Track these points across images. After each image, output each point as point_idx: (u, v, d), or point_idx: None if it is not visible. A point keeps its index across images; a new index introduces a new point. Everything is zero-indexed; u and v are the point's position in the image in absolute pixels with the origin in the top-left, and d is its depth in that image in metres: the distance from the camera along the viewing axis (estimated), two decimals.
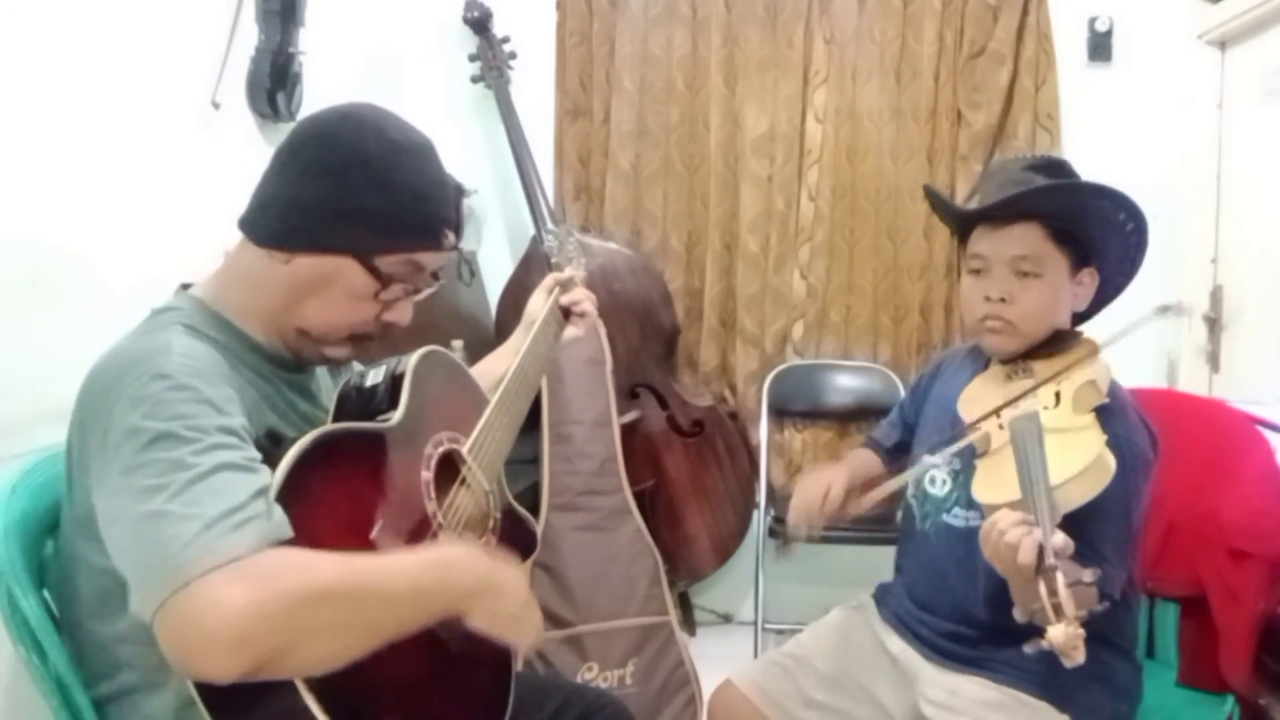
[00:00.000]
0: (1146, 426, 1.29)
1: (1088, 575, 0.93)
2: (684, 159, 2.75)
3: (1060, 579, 0.91)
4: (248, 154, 1.80)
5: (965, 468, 1.32)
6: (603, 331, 2.26)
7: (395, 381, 1.08)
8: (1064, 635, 0.89)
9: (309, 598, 0.80)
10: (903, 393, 2.64)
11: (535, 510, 2.11)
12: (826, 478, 1.45)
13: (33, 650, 0.95)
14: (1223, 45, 2.55)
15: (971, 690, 1.31)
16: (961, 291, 1.44)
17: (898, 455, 1.58)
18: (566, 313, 1.47)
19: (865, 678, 1.44)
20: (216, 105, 1.72)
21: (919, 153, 2.69)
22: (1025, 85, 2.63)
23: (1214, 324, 2.54)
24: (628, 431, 2.37)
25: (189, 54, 1.68)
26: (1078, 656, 0.89)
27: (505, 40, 2.61)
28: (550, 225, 2.47)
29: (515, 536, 1.21)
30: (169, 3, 1.60)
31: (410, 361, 1.10)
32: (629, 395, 2.52)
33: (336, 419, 1.06)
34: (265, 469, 0.87)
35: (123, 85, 1.47)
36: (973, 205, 1.42)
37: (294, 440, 0.91)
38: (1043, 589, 0.92)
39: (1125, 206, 1.29)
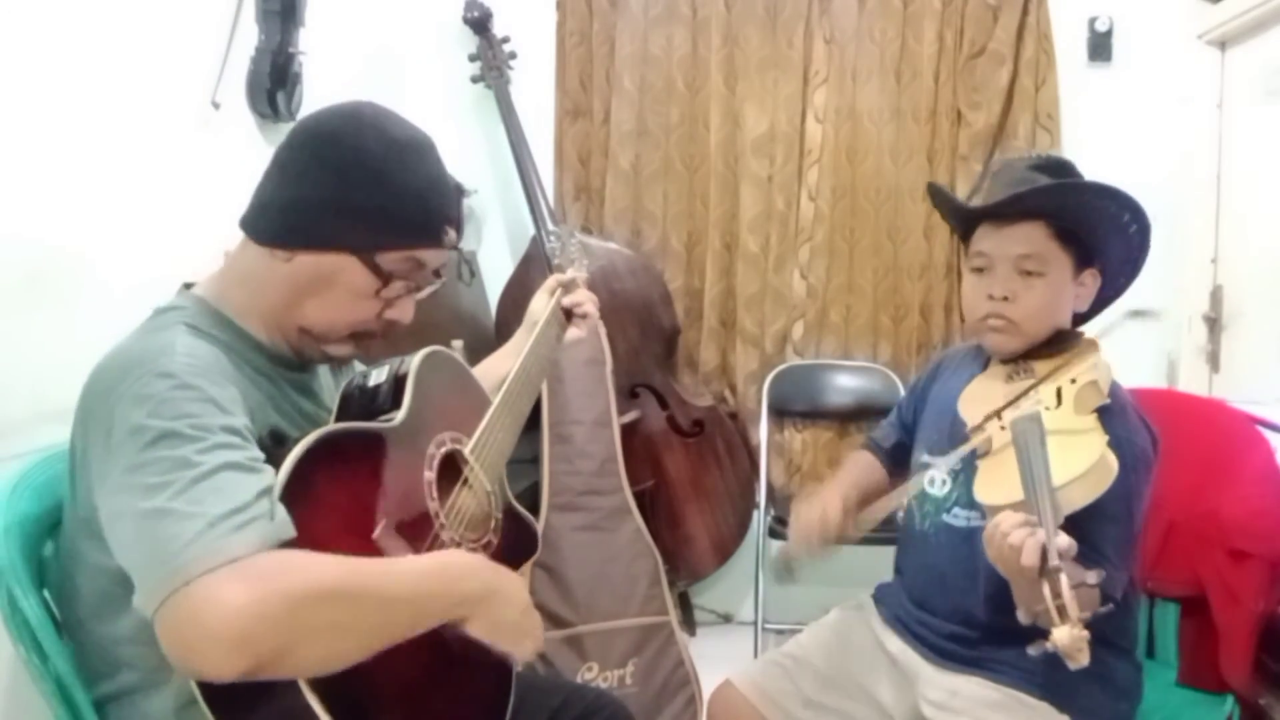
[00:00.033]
0: (1147, 426, 1.29)
1: (1091, 577, 0.93)
2: (684, 159, 2.75)
3: (1064, 581, 0.91)
4: (248, 154, 1.80)
5: (966, 468, 1.32)
6: (603, 332, 2.26)
7: (398, 381, 1.08)
8: (1069, 637, 0.89)
9: (310, 598, 0.80)
10: (903, 393, 2.65)
11: (535, 510, 2.11)
12: (822, 502, 1.41)
13: (33, 650, 0.95)
14: (1223, 45, 2.55)
15: (971, 690, 1.31)
16: (963, 290, 1.44)
17: (897, 456, 1.58)
18: (569, 314, 1.47)
19: (865, 678, 1.44)
20: (216, 105, 1.72)
21: (919, 153, 2.69)
22: (1025, 85, 2.63)
23: (1214, 324, 2.54)
24: (628, 431, 2.37)
25: (189, 54, 1.67)
26: (1082, 659, 0.89)
27: (505, 40, 2.61)
28: (551, 226, 2.47)
29: (516, 537, 1.22)
30: (169, 3, 1.60)
31: (413, 362, 1.10)
32: (629, 395, 2.52)
33: (339, 419, 1.06)
34: (268, 469, 0.87)
35: (123, 85, 1.47)
36: (976, 204, 1.41)
37: (297, 440, 0.91)
38: (1047, 591, 0.92)
39: (1130, 207, 1.29)
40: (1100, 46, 2.66)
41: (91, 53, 1.40)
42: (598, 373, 2.27)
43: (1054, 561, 0.93)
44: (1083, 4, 2.65)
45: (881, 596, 1.53)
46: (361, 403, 1.08)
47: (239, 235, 1.06)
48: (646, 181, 2.74)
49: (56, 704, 0.95)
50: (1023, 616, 1.00)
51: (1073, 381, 1.27)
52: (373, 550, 0.92)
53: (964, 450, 1.28)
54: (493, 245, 2.79)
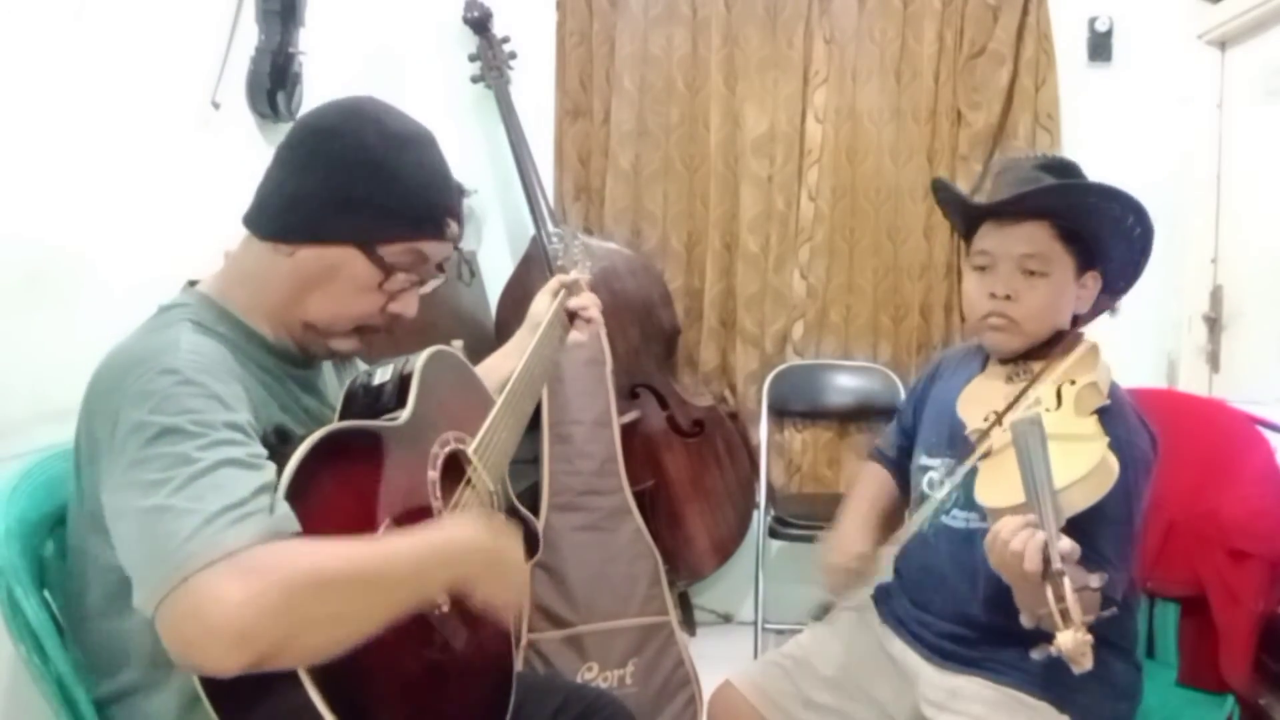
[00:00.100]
0: (1146, 427, 1.29)
1: (1094, 580, 0.93)
2: (684, 159, 2.75)
3: (1068, 585, 0.91)
4: (248, 154, 1.80)
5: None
6: (603, 332, 2.26)
7: (403, 381, 1.08)
8: (1073, 642, 0.88)
9: (308, 589, 0.80)
10: (903, 393, 2.65)
11: (535, 510, 2.11)
12: (847, 544, 1.41)
13: (34, 650, 0.95)
14: (1223, 45, 2.56)
15: (971, 691, 1.31)
16: (964, 288, 1.44)
17: (904, 465, 1.58)
18: (572, 317, 1.47)
19: (865, 678, 1.44)
20: (216, 105, 1.72)
21: (919, 153, 2.69)
22: (1025, 85, 2.63)
23: (1214, 324, 2.54)
24: (628, 431, 2.37)
25: (189, 54, 1.67)
26: (1086, 663, 0.89)
27: (505, 40, 2.61)
28: (554, 227, 2.47)
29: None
30: (169, 3, 1.60)
31: (418, 361, 1.10)
32: (629, 395, 2.52)
33: (343, 417, 1.07)
34: (270, 466, 0.87)
35: (123, 85, 1.47)
36: (979, 202, 1.41)
37: (301, 438, 0.91)
38: (1050, 595, 0.91)
39: (1134, 210, 1.29)
40: (1100, 46, 2.66)
41: (92, 53, 1.40)
42: (598, 373, 2.27)
43: (1056, 565, 0.93)
44: (1083, 4, 2.65)
45: (882, 597, 1.53)
46: (366, 401, 1.08)
47: (239, 235, 1.07)
48: (646, 181, 2.74)
49: (57, 704, 0.95)
50: (1025, 620, 1.00)
51: (1072, 383, 1.27)
52: None
53: (969, 464, 1.28)
54: (493, 245, 2.79)
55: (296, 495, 0.86)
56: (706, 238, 2.75)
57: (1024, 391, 1.30)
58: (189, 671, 0.81)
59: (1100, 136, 2.64)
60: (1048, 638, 0.90)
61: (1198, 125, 2.58)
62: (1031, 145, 2.62)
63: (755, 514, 2.68)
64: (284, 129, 1.85)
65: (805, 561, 2.66)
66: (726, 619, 2.88)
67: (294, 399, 1.08)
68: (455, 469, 1.11)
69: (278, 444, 0.93)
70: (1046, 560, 0.94)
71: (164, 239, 1.51)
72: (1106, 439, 1.16)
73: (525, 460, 2.16)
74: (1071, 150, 2.60)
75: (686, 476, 2.59)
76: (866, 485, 1.57)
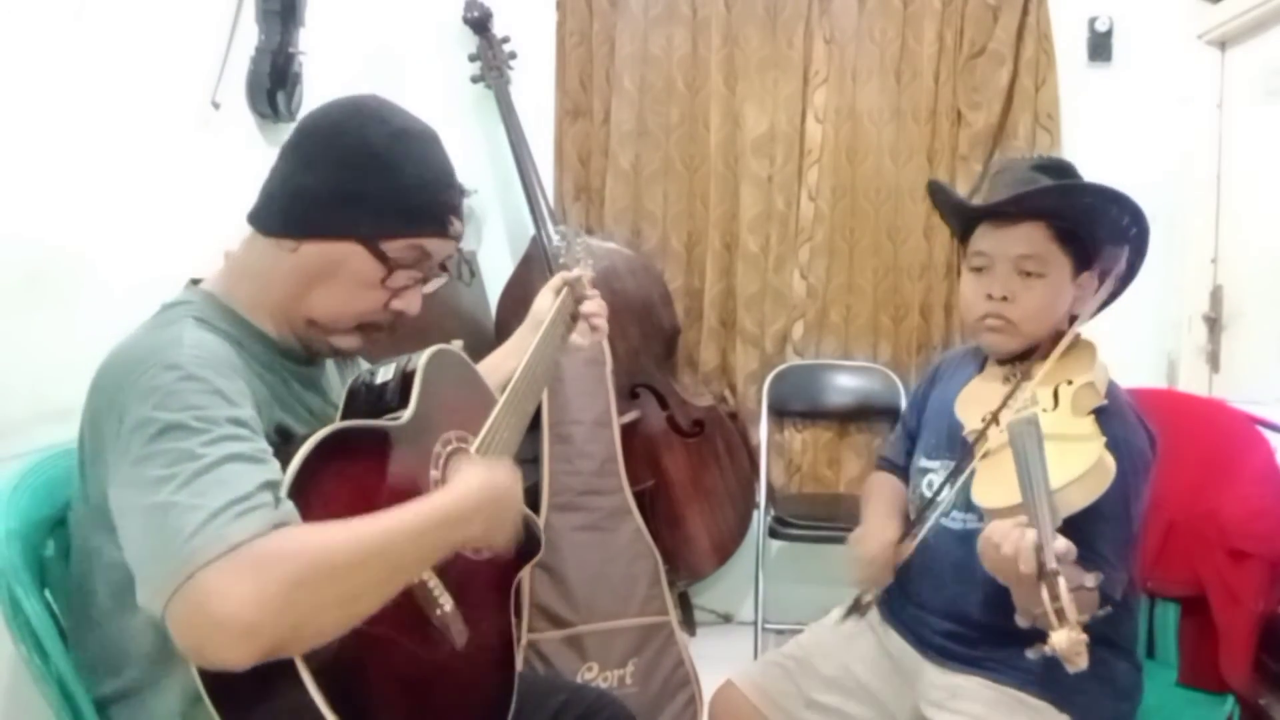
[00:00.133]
0: (1144, 426, 1.29)
1: (1090, 580, 0.93)
2: (684, 159, 2.75)
3: (1062, 584, 0.91)
4: (248, 154, 1.80)
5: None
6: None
7: (406, 379, 1.08)
8: (1067, 641, 0.89)
9: (315, 575, 0.80)
10: (903, 393, 2.65)
11: (535, 510, 2.11)
12: (881, 536, 1.40)
13: (34, 651, 0.95)
14: (1223, 45, 2.56)
15: (972, 690, 1.31)
16: (961, 289, 1.44)
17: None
18: (573, 315, 1.47)
19: (866, 678, 1.44)
20: (216, 105, 1.72)
21: (919, 153, 2.69)
22: (1025, 85, 2.63)
23: (1214, 324, 2.54)
24: (628, 431, 2.37)
25: (189, 54, 1.67)
26: (1081, 662, 0.89)
27: (505, 40, 2.61)
28: (557, 226, 2.47)
29: (519, 537, 1.21)
30: (169, 3, 1.60)
31: (421, 360, 1.10)
32: (629, 395, 2.52)
33: (345, 415, 1.07)
34: (275, 461, 0.88)
35: (123, 85, 1.47)
36: (976, 203, 1.41)
37: (303, 436, 0.91)
38: (1045, 595, 0.92)
39: (1131, 211, 1.29)
40: (1100, 46, 2.66)
41: (92, 53, 1.40)
42: (598, 373, 2.27)
43: (1052, 565, 0.93)
44: (1083, 4, 2.65)
45: (882, 596, 1.53)
46: (368, 400, 1.08)
47: (240, 235, 1.07)
48: (646, 181, 2.74)
49: (58, 704, 0.96)
50: (1022, 620, 1.00)
51: (1069, 383, 1.27)
52: None
53: (973, 465, 1.27)
54: (493, 245, 2.79)
55: (299, 494, 0.86)
56: (706, 238, 2.75)
57: (1015, 389, 1.29)
58: (202, 666, 0.81)
59: (1100, 136, 2.64)
60: (1044, 637, 0.90)
61: (1198, 125, 2.58)
62: (1031, 145, 2.62)
63: (755, 514, 2.68)
64: (284, 129, 1.86)
65: (805, 561, 2.69)
66: (726, 619, 2.88)
67: (297, 397, 1.08)
68: None
69: (280, 443, 0.93)
70: (1042, 559, 0.94)
71: (164, 239, 1.51)
72: (1103, 439, 1.17)
73: (525, 460, 2.16)
74: (1071, 150, 2.61)
75: (686, 476, 2.59)
76: (881, 487, 1.57)
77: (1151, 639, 1.65)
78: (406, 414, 1.04)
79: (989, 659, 1.32)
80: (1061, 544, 0.96)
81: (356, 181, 1.01)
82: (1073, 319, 1.39)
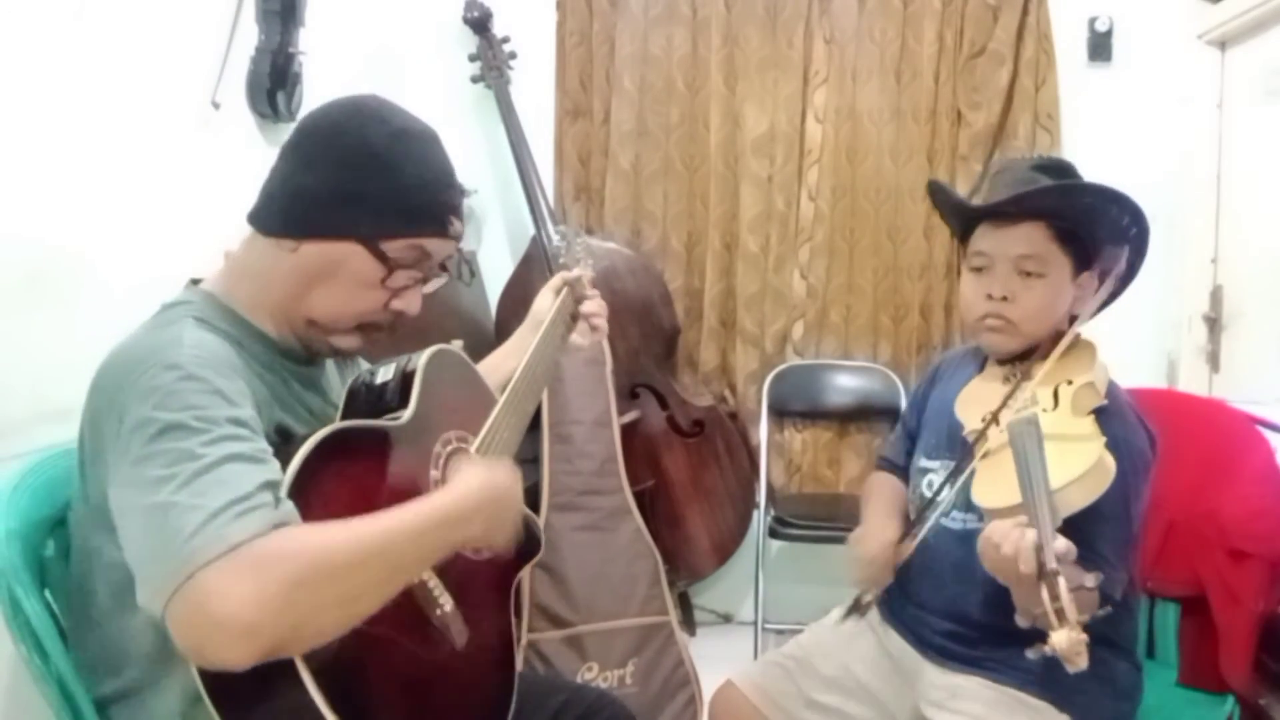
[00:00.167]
0: (1144, 426, 1.29)
1: (1089, 580, 0.93)
2: (684, 159, 2.75)
3: (1062, 584, 0.91)
4: (248, 154, 1.80)
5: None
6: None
7: (406, 379, 1.08)
8: (1067, 641, 0.89)
9: (315, 575, 0.80)
10: (903, 393, 2.65)
11: (535, 510, 2.11)
12: (881, 536, 1.40)
13: (35, 651, 0.95)
14: (1223, 45, 2.56)
15: (972, 690, 1.31)
16: (961, 289, 1.44)
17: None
18: (573, 315, 1.47)
19: (866, 678, 1.44)
20: (216, 105, 1.72)
21: (919, 153, 2.69)
22: (1025, 85, 2.63)
23: (1214, 324, 2.54)
24: (628, 431, 2.37)
25: (189, 54, 1.67)
26: (1080, 662, 0.89)
27: (505, 40, 2.61)
28: (553, 226, 2.47)
29: (519, 537, 1.21)
30: (169, 3, 1.60)
31: (421, 360, 1.10)
32: (629, 395, 2.51)
33: (345, 415, 1.07)
34: (275, 461, 0.88)
35: (123, 85, 1.47)
36: (976, 203, 1.41)
37: (303, 436, 0.91)
38: (1045, 595, 0.92)
39: (1130, 211, 1.29)
40: (1100, 46, 2.66)
41: (92, 53, 1.40)
42: (598, 373, 2.27)
43: (1051, 565, 0.93)
44: (1083, 4, 2.65)
45: (882, 596, 1.53)
46: (368, 400, 1.08)
47: (239, 235, 1.07)
48: (646, 181, 2.74)
49: (58, 704, 0.96)
50: (1022, 620, 1.00)
51: (1069, 383, 1.27)
52: None
53: (974, 465, 1.27)
54: (493, 245, 2.79)
55: (299, 494, 0.86)
56: (706, 238, 2.75)
57: (1015, 389, 1.29)
58: (203, 666, 0.81)
59: (1100, 136, 2.64)
60: (1044, 637, 0.90)
61: (1198, 125, 2.58)
62: (1031, 145, 2.62)
63: (755, 514, 2.68)
64: (284, 129, 1.86)
65: (805, 561, 2.69)
66: (726, 619, 2.88)
67: (297, 397, 1.08)
68: None
69: (280, 443, 0.93)
70: (1042, 559, 0.94)
71: (164, 239, 1.51)
72: (1103, 438, 1.17)
73: (525, 460, 2.15)
74: (1071, 150, 2.61)
75: (686, 476, 2.59)
76: (881, 488, 1.56)
77: (1151, 639, 1.65)
78: (406, 414, 1.04)
79: (989, 659, 1.32)
80: (1061, 544, 0.96)
81: (356, 181, 1.01)
82: (1073, 319, 1.39)
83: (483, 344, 1.94)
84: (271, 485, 0.84)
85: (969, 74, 2.66)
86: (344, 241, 1.02)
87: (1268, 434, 1.62)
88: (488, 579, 1.13)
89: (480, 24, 2.58)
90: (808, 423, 2.80)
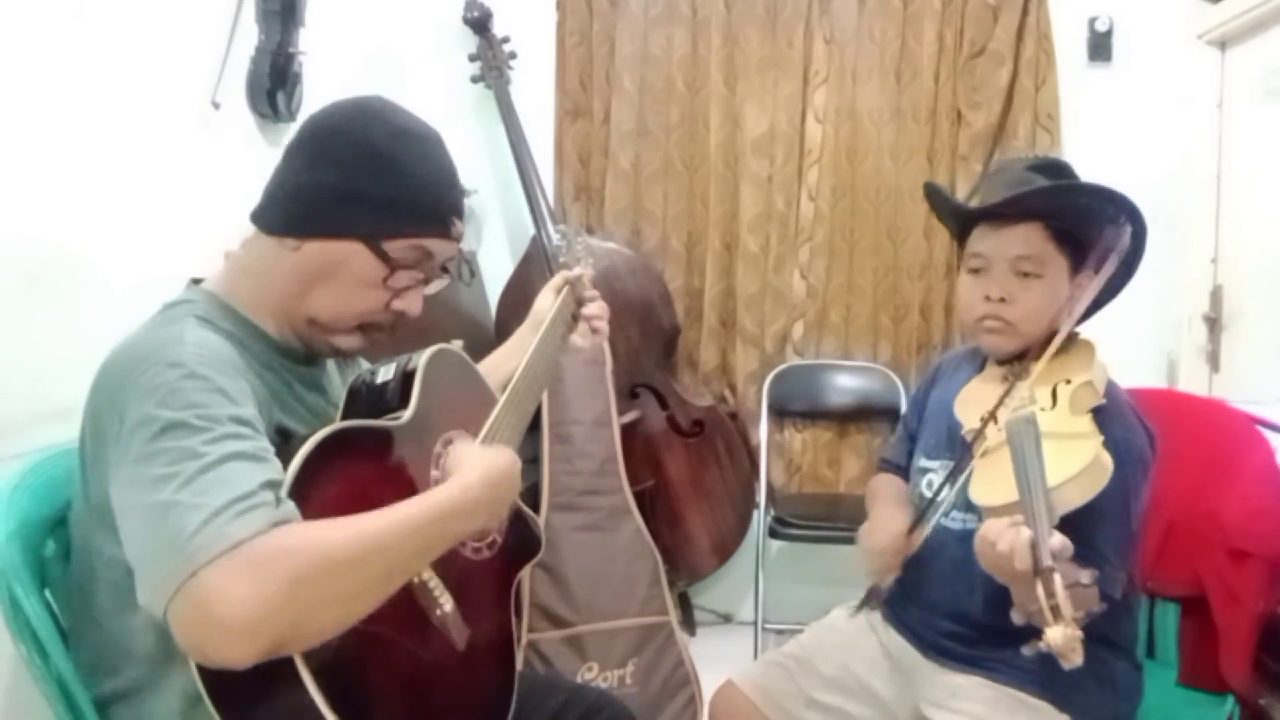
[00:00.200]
0: (1144, 425, 1.29)
1: (1085, 577, 0.94)
2: (684, 159, 2.75)
3: (1058, 581, 0.91)
4: (248, 154, 1.80)
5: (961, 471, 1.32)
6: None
7: (406, 379, 1.08)
8: (1062, 637, 0.89)
9: (316, 573, 0.80)
10: (903, 393, 2.65)
11: (535, 510, 2.11)
12: (891, 527, 1.39)
13: (34, 651, 0.95)
14: (1223, 45, 2.56)
15: (972, 690, 1.31)
16: (959, 291, 1.44)
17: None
18: (574, 315, 1.47)
19: (866, 678, 1.44)
20: (216, 105, 1.72)
21: (919, 153, 2.69)
22: (1025, 85, 2.63)
23: (1214, 324, 2.54)
24: (628, 431, 2.37)
25: (189, 54, 1.67)
26: (1076, 659, 0.89)
27: (505, 40, 2.62)
28: (553, 226, 2.47)
29: (520, 537, 1.22)
30: (169, 3, 1.60)
31: (421, 359, 1.10)
32: (629, 395, 2.52)
33: (346, 415, 1.07)
34: (276, 460, 0.88)
35: (123, 85, 1.47)
36: (973, 205, 1.41)
37: (303, 436, 0.91)
38: (1040, 591, 0.92)
39: (1126, 210, 1.29)
40: (1100, 46, 2.66)
41: (92, 52, 1.40)
42: (598, 373, 2.27)
43: (1047, 562, 0.93)
44: (1083, 4, 2.65)
45: (893, 588, 1.52)
46: (369, 399, 1.08)
47: (239, 235, 1.07)
48: (646, 181, 2.74)
49: (58, 704, 0.95)
50: (1018, 617, 1.00)
51: (1068, 382, 1.27)
52: None
53: (967, 473, 1.27)
54: (493, 245, 2.79)
55: (299, 494, 0.86)
56: (706, 238, 2.75)
57: (1012, 387, 1.29)
58: (204, 664, 0.81)
59: (1100, 136, 2.64)
60: (1040, 634, 0.90)
61: (1197, 125, 2.58)
62: (1031, 145, 2.62)
63: (755, 514, 2.68)
64: (284, 129, 1.86)
65: (805, 561, 2.69)
66: (726, 619, 2.88)
67: (297, 397, 1.08)
68: None
69: (280, 443, 0.93)
70: (1038, 556, 0.95)
71: (164, 239, 1.51)
72: (1101, 437, 1.17)
73: (525, 460, 2.15)
74: (1071, 150, 2.61)
75: (686, 476, 2.60)
76: (885, 487, 1.57)
77: (1151, 639, 1.65)
78: (407, 414, 1.04)
79: (989, 659, 1.32)
80: (1057, 540, 0.96)
81: (360, 181, 1.02)
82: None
83: (483, 344, 1.94)
84: (273, 484, 0.84)
85: (969, 74, 2.66)
86: (346, 241, 1.02)
87: (1268, 434, 1.62)
88: (488, 579, 1.13)
89: (480, 24, 2.58)
90: (808, 423, 2.80)
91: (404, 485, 1.00)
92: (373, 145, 1.02)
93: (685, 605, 2.72)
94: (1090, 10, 2.65)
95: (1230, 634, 1.49)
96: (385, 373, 1.10)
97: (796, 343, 2.77)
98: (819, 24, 2.68)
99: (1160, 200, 2.36)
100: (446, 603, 0.99)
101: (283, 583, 0.77)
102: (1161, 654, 1.64)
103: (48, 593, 1.02)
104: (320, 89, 1.91)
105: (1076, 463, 1.11)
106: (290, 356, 1.08)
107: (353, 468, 0.96)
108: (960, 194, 2.60)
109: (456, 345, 1.21)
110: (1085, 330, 1.40)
